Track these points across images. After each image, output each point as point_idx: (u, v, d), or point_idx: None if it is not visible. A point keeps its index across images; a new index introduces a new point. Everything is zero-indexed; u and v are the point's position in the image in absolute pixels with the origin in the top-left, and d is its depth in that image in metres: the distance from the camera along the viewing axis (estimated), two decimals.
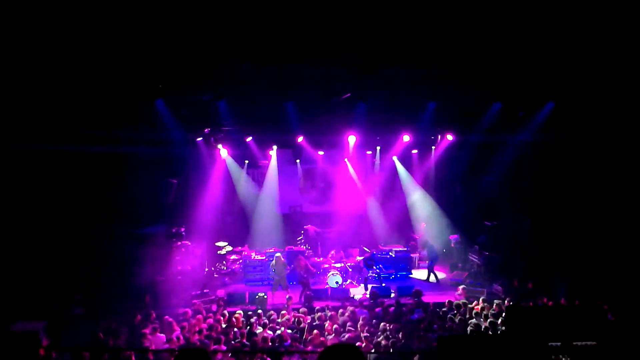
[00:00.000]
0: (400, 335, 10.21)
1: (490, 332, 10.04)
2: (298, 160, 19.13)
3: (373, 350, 9.59)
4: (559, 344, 2.91)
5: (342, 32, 10.88)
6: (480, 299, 12.88)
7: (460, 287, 14.21)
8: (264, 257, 16.47)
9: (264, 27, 10.62)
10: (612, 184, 15.15)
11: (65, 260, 13.57)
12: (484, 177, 18.09)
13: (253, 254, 16.89)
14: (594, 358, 2.84)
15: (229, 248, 17.59)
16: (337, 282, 15.31)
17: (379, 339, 10.12)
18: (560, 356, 2.87)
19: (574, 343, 2.92)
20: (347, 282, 16.11)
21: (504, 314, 11.04)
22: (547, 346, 2.92)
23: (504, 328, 9.07)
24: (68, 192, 14.02)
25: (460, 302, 12.76)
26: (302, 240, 18.54)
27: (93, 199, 14.48)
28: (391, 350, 9.67)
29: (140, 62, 12.07)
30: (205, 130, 16.41)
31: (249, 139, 17.18)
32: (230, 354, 9.36)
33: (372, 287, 15.03)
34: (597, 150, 15.24)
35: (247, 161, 18.67)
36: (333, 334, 10.51)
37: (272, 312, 12.37)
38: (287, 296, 14.06)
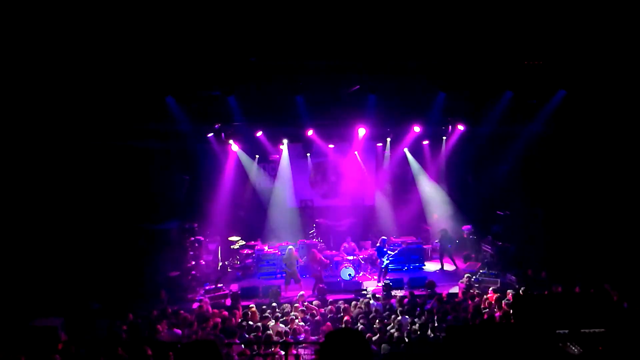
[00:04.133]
0: (414, 327, 10.22)
1: (503, 322, 10.02)
2: (309, 154, 19.11)
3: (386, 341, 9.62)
4: (566, 331, 2.92)
5: (350, 26, 10.83)
6: (491, 289, 12.84)
7: (465, 276, 14.09)
8: (277, 251, 16.53)
9: (272, 23, 10.63)
10: (625, 173, 14.94)
11: (80, 256, 13.75)
12: (498, 167, 17.93)
13: (266, 248, 16.97)
14: (601, 344, 2.84)
15: (242, 242, 17.71)
16: (349, 275, 15.33)
17: (391, 330, 10.14)
18: (568, 343, 2.87)
19: (582, 330, 2.93)
20: (360, 275, 16.13)
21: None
22: (554, 334, 2.92)
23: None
24: (82, 189, 14.18)
25: (475, 292, 12.73)
26: (314, 234, 18.58)
27: (107, 196, 14.63)
28: (406, 340, 9.69)
29: (151, 58, 12.15)
30: (216, 125, 16.48)
31: (259, 133, 17.19)
32: (244, 347, 9.43)
33: (386, 279, 15.02)
34: (610, 138, 15.03)
35: (257, 156, 18.70)
36: (346, 327, 10.54)
37: (285, 305, 12.45)
38: (300, 290, 14.15)
